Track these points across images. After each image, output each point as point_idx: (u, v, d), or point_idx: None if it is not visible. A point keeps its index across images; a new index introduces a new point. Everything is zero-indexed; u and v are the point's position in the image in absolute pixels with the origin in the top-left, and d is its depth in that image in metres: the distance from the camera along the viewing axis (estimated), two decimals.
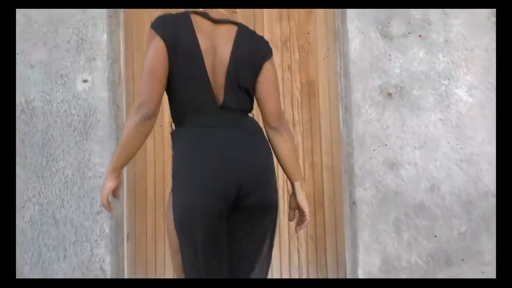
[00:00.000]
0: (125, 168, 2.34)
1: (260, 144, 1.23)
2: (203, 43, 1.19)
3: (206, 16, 1.23)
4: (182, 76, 1.18)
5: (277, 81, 1.33)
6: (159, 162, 2.45)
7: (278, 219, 1.36)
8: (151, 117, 1.19)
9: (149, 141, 2.47)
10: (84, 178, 2.21)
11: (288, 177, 1.32)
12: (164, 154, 2.47)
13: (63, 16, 2.24)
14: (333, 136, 2.46)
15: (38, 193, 2.22)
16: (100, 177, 2.22)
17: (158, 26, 1.20)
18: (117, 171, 1.25)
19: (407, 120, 2.26)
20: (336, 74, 2.45)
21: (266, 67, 1.27)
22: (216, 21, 1.23)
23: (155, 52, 1.17)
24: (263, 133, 1.28)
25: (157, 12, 2.39)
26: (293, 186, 1.32)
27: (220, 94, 1.21)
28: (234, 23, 1.27)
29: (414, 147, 2.26)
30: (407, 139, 2.26)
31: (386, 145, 2.24)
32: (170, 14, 1.24)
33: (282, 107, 1.95)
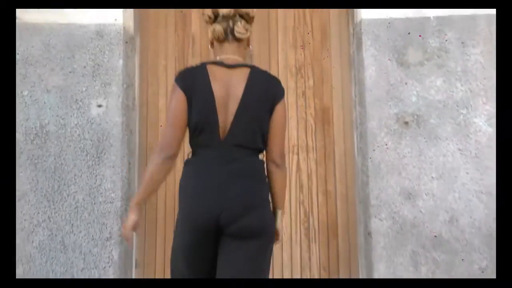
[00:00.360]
0: (135, 194, 2.36)
1: (252, 177, 1.34)
2: (217, 88, 1.35)
3: (221, 64, 1.38)
4: (197, 118, 1.34)
5: (285, 122, 1.44)
6: (170, 190, 2.44)
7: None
8: (172, 158, 1.38)
9: None
10: (94, 204, 2.21)
11: (275, 205, 1.44)
12: (175, 182, 2.44)
13: (80, 42, 2.29)
14: (348, 164, 2.44)
15: (48, 218, 2.22)
16: (111, 202, 2.21)
17: (179, 79, 1.39)
18: (140, 205, 1.41)
19: (424, 150, 2.23)
20: (351, 102, 2.45)
21: (277, 108, 1.38)
22: (230, 67, 1.37)
23: (176, 102, 1.36)
24: (260, 168, 1.39)
25: (171, 44, 2.50)
26: (275, 212, 1.44)
27: (226, 132, 1.34)
28: (247, 66, 1.39)
29: (432, 177, 2.21)
30: (425, 169, 2.22)
31: (402, 174, 2.20)
32: (191, 67, 1.43)
33: (296, 133, 2.22)
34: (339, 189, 2.42)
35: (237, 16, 1.39)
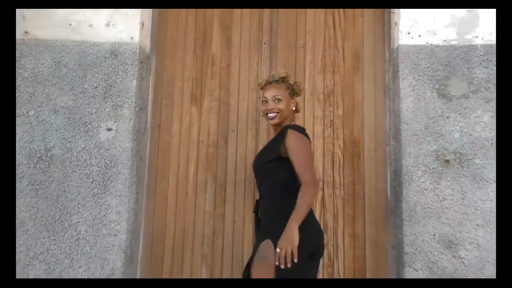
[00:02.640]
0: (141, 226, 2.31)
1: None
2: None
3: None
4: None
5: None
6: (180, 220, 2.38)
7: None
8: None
9: (171, 198, 2.41)
10: (97, 236, 2.16)
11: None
12: (186, 211, 2.39)
13: (93, 61, 2.28)
14: (379, 205, 2.33)
15: (47, 250, 2.16)
16: (115, 235, 2.15)
17: (305, 134, 1.82)
18: None
19: (468, 193, 2.10)
20: (385, 135, 2.36)
21: None
22: None
23: (309, 146, 1.77)
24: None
25: (189, 64, 2.47)
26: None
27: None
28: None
29: (477, 224, 2.07)
30: (468, 214, 2.08)
31: (442, 219, 2.09)
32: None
33: (322, 166, 2.35)
34: (368, 232, 2.31)
35: None
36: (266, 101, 1.88)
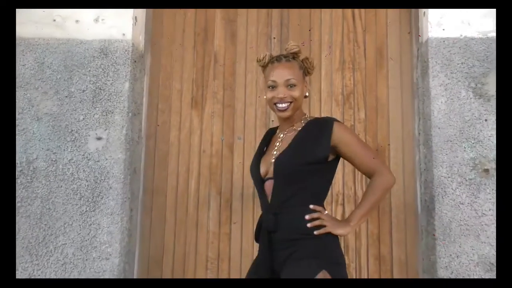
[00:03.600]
0: (136, 249, 2.22)
1: None
2: None
3: None
4: None
5: None
6: (180, 242, 2.25)
7: None
8: None
9: (169, 216, 2.27)
10: (86, 260, 2.03)
11: None
12: (186, 231, 2.27)
13: (80, 61, 2.16)
14: (408, 222, 2.18)
15: (29, 276, 2.04)
16: (106, 259, 2.03)
17: None
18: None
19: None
20: (414, 141, 2.22)
21: None
22: None
23: None
24: None
25: (188, 63, 2.30)
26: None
27: None
28: None
29: None
30: None
31: (481, 238, 1.95)
32: None
33: (342, 179, 2.20)
34: (396, 253, 2.16)
35: None
36: (275, 86, 1.45)
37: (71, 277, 2.02)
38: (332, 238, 1.39)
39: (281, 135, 1.51)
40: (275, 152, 1.48)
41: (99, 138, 2.11)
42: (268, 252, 1.41)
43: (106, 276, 2.01)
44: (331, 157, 1.43)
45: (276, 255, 1.39)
